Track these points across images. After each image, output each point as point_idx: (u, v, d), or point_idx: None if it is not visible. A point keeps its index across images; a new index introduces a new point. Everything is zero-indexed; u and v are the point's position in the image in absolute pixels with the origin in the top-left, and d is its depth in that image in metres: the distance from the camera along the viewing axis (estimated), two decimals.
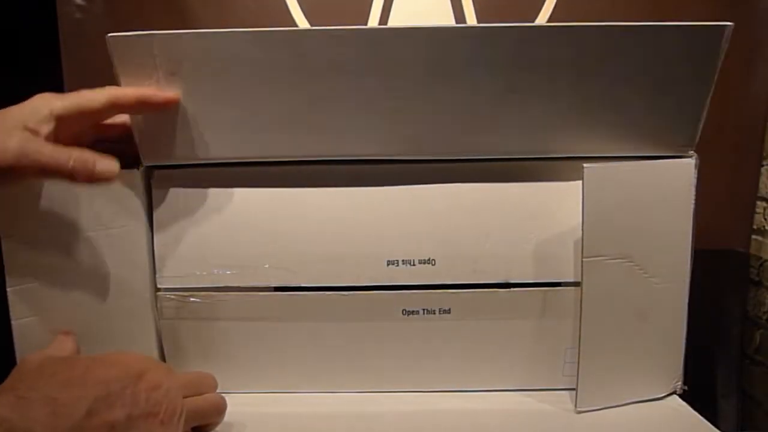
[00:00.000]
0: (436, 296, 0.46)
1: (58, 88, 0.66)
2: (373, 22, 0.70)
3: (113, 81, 0.42)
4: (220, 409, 0.40)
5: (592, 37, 0.40)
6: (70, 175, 0.37)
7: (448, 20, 0.70)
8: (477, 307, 0.47)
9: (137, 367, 0.36)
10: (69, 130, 0.39)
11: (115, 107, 0.40)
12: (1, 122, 0.37)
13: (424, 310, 0.47)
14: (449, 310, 0.47)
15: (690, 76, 0.42)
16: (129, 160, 0.46)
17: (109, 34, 0.39)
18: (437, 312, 0.47)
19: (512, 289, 0.46)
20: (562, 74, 0.42)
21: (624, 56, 0.41)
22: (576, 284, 0.46)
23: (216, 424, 0.41)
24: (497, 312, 0.47)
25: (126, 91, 0.41)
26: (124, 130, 0.44)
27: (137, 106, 0.41)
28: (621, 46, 0.40)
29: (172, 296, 0.46)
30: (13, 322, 0.41)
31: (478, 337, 0.48)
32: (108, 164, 0.38)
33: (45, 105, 0.38)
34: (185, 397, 0.37)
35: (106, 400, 0.33)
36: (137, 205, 0.45)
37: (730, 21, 0.40)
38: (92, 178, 0.38)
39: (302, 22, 0.69)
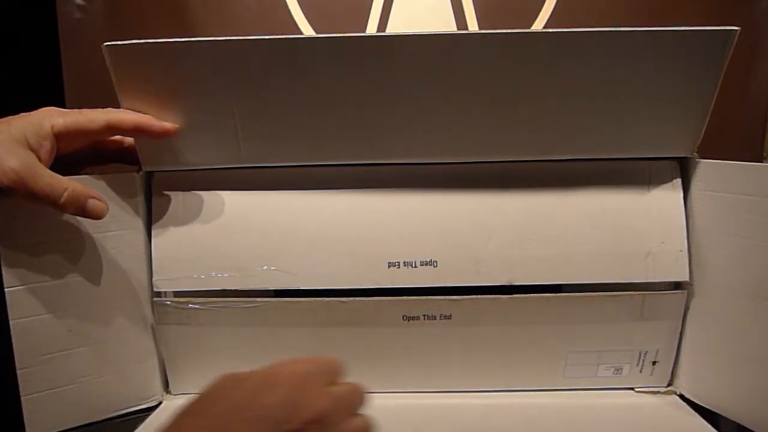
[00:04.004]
0: (436, 302, 0.46)
1: (58, 88, 0.66)
2: (373, 22, 0.70)
3: (112, 82, 0.42)
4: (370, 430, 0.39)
5: (595, 42, 0.40)
6: (60, 208, 0.38)
7: (448, 21, 0.70)
8: (478, 313, 0.47)
9: (302, 391, 0.34)
10: (68, 146, 0.40)
11: (113, 130, 0.42)
12: (6, 135, 0.37)
13: (424, 315, 0.47)
14: (450, 315, 0.47)
15: (694, 80, 0.42)
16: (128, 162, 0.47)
17: (106, 43, 0.39)
18: (438, 318, 0.47)
19: (514, 295, 0.46)
20: (565, 78, 0.42)
21: (627, 61, 0.41)
22: (578, 288, 0.46)
23: None
24: (498, 317, 0.47)
25: (125, 116, 0.42)
26: (122, 145, 0.46)
27: (134, 132, 0.42)
28: (624, 51, 0.40)
29: (169, 301, 0.46)
30: (11, 322, 0.41)
31: (479, 342, 0.48)
32: (98, 206, 0.40)
33: (47, 120, 0.39)
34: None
35: None
36: (136, 208, 0.45)
37: (730, 21, 0.40)
38: (81, 214, 0.39)
39: (303, 24, 0.69)
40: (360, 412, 0.38)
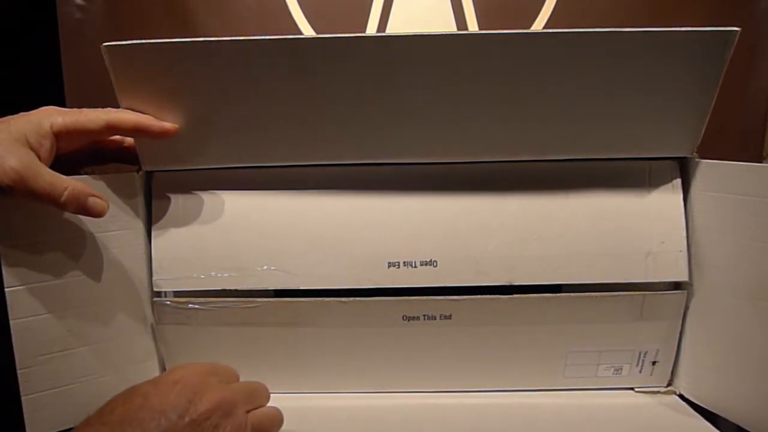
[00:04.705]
0: (436, 302, 0.46)
1: (58, 88, 0.66)
2: (373, 22, 0.70)
3: (112, 82, 0.42)
4: (279, 422, 0.40)
5: (595, 42, 0.40)
6: (61, 207, 0.38)
7: (448, 21, 0.70)
8: (478, 313, 0.47)
9: (197, 386, 0.35)
10: (68, 145, 0.40)
11: (113, 130, 0.42)
12: (6, 134, 0.37)
13: (424, 315, 0.47)
14: (450, 315, 0.47)
15: (694, 80, 0.42)
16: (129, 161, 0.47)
17: (105, 44, 0.39)
18: (438, 318, 0.47)
19: (513, 295, 0.46)
20: (565, 78, 0.42)
21: (627, 61, 0.41)
22: (578, 288, 0.46)
23: None
24: (498, 317, 0.47)
25: (125, 116, 0.42)
26: (122, 144, 0.46)
27: (134, 132, 0.42)
28: (624, 51, 0.40)
29: (169, 300, 0.46)
30: (11, 322, 0.41)
31: (479, 342, 0.48)
32: (98, 203, 0.40)
33: (47, 119, 0.39)
34: (247, 411, 0.37)
35: None
36: (136, 208, 0.45)
37: (730, 21, 0.40)
38: (82, 213, 0.39)
39: (303, 24, 0.69)
40: (263, 405, 0.40)
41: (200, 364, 0.39)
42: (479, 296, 0.46)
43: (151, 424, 0.32)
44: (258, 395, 0.40)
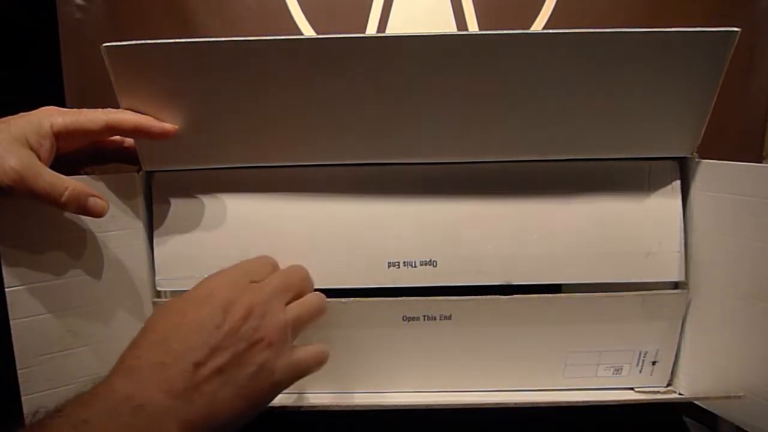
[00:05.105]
0: (436, 302, 0.46)
1: (58, 88, 0.66)
2: (373, 22, 0.70)
3: (112, 82, 0.42)
4: (321, 308, 0.41)
5: (595, 42, 0.40)
6: (62, 207, 0.39)
7: (448, 21, 0.70)
8: (478, 313, 0.46)
9: (229, 293, 0.37)
10: (68, 145, 0.41)
11: (113, 131, 0.42)
12: (6, 134, 0.37)
13: (424, 316, 0.47)
14: (450, 316, 0.47)
15: (694, 81, 0.42)
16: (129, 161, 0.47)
17: (105, 44, 0.39)
18: (438, 318, 0.47)
19: (513, 295, 0.46)
20: (565, 78, 0.41)
21: (627, 61, 0.41)
22: (578, 288, 0.46)
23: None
24: (498, 318, 0.47)
25: (125, 116, 0.42)
26: (122, 144, 0.46)
27: (134, 133, 0.42)
28: (624, 51, 0.40)
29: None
30: (11, 322, 0.41)
31: (479, 342, 0.48)
32: (99, 203, 0.40)
33: (47, 120, 0.39)
34: (285, 304, 0.38)
35: (208, 348, 0.34)
36: (136, 208, 0.45)
37: (730, 21, 0.40)
38: (82, 213, 0.40)
39: (303, 24, 0.69)
40: (303, 291, 0.41)
41: (230, 268, 0.40)
42: (479, 296, 0.46)
43: (191, 339, 0.34)
44: (292, 285, 0.40)
